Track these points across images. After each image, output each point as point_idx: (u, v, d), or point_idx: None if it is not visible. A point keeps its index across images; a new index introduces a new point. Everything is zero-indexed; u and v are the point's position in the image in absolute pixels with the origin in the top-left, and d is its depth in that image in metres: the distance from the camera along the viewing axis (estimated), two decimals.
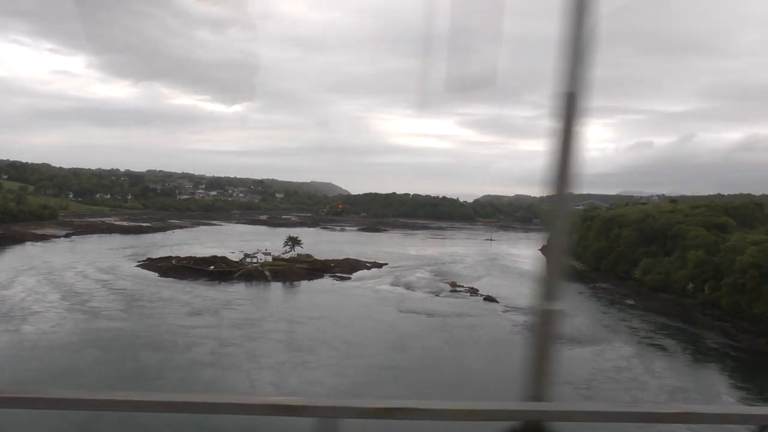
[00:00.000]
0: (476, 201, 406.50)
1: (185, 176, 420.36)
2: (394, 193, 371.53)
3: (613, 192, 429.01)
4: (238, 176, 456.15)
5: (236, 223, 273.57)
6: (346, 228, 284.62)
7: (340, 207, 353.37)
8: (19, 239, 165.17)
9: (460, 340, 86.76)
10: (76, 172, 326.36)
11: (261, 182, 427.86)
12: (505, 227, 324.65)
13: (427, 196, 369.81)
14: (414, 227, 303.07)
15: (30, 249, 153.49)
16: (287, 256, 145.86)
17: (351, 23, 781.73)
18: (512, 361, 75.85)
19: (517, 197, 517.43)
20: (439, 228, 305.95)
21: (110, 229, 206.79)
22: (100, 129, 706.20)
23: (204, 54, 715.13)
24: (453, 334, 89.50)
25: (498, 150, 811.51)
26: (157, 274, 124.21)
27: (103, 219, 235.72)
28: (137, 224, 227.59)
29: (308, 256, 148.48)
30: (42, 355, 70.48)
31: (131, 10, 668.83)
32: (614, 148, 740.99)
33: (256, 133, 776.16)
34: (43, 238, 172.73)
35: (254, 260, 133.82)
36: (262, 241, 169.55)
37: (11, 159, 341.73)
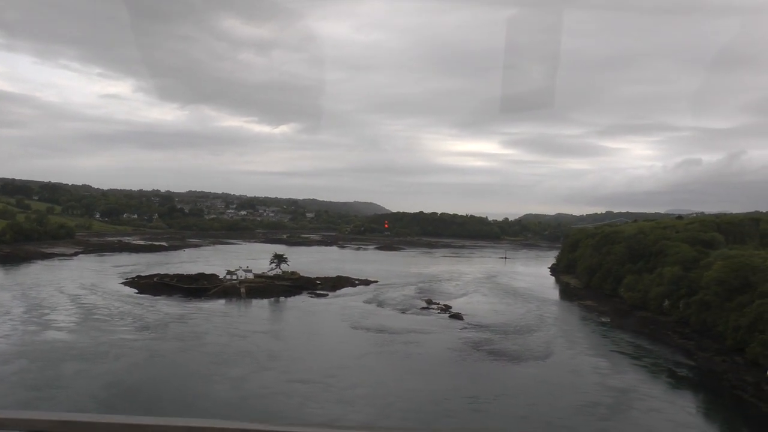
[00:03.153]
0: (506, 220, 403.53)
1: (222, 196, 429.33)
2: (421, 212, 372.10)
3: (661, 210, 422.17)
4: (280, 196, 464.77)
5: (256, 242, 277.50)
6: (363, 247, 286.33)
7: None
8: (26, 258, 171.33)
9: (390, 355, 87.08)
10: (105, 193, 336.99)
11: (295, 202, 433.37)
12: (530, 246, 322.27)
13: (455, 215, 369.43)
14: (435, 246, 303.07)
15: (30, 267, 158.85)
16: (272, 273, 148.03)
17: (396, 44, 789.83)
18: (419, 377, 76.24)
19: (559, 216, 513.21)
20: (461, 246, 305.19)
21: (121, 248, 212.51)
22: (148, 151, 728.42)
23: (250, 76, 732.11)
24: (387, 350, 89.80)
25: (544, 169, 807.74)
26: (135, 290, 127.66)
27: (122, 238, 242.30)
28: (151, 243, 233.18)
29: (293, 273, 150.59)
30: None
31: (177, 34, 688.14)
32: (662, 166, 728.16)
33: (301, 154, 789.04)
34: (50, 256, 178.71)
35: (234, 277, 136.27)
36: (267, 260, 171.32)
37: (53, 181, 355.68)
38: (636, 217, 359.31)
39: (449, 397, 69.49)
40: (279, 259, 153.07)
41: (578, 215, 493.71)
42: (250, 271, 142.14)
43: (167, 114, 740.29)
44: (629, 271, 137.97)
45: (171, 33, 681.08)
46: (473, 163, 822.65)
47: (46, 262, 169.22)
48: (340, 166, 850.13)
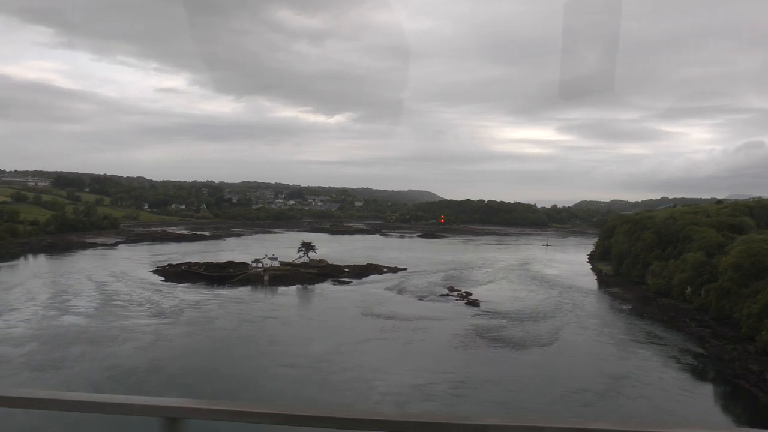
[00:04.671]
0: (554, 207, 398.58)
1: (274, 186, 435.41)
2: (468, 200, 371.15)
3: (720, 195, 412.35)
4: (334, 186, 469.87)
5: (300, 231, 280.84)
6: (407, 235, 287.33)
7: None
8: (67, 248, 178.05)
9: (390, 341, 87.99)
10: (154, 185, 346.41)
11: (345, 191, 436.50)
12: (577, 233, 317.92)
13: (501, 202, 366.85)
14: (480, 233, 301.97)
15: (68, 257, 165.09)
16: (300, 261, 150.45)
17: (449, 31, 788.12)
18: (411, 362, 76.93)
19: (613, 202, 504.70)
20: (506, 234, 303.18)
21: (163, 238, 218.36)
22: (204, 143, 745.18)
23: (304, 66, 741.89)
24: (390, 336, 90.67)
25: (601, 155, 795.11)
26: (162, 278, 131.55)
27: (166, 228, 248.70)
28: (193, 233, 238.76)
29: (321, 261, 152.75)
30: None
31: (231, 27, 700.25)
32: (722, 150, 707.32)
33: (356, 143, 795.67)
34: (91, 246, 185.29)
35: (260, 265, 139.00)
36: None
37: (109, 174, 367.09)
38: (690, 203, 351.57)
39: (435, 381, 70.10)
40: (307, 247, 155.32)
41: (633, 202, 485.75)
42: (275, 258, 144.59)
43: (223, 106, 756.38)
44: (656, 257, 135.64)
45: (225, 26, 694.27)
46: (529, 150, 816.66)
47: (85, 252, 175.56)
48: (395, 155, 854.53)
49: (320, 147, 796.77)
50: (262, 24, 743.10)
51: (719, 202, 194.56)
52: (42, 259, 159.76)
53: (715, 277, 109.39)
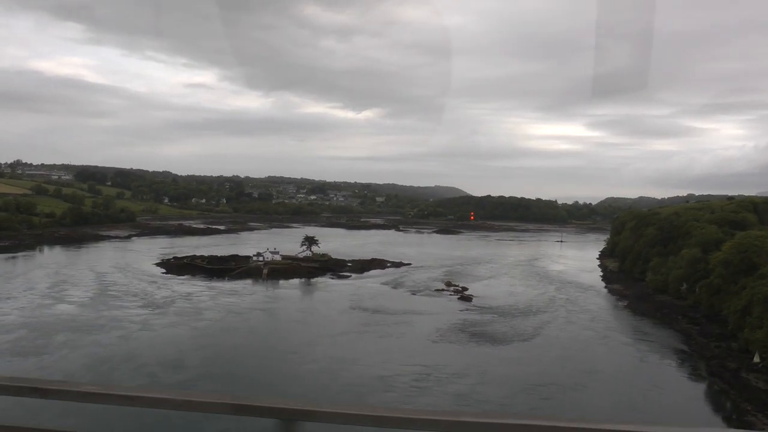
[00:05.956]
0: (575, 203, 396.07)
1: (298, 181, 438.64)
2: (488, 196, 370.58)
3: (752, 192, 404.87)
4: (360, 181, 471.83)
5: (317, 226, 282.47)
6: (424, 230, 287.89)
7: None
8: (79, 240, 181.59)
9: (370, 334, 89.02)
10: (175, 179, 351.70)
11: (368, 186, 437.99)
12: (596, 229, 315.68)
13: (521, 198, 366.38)
14: (497, 229, 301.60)
15: (79, 249, 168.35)
16: (302, 255, 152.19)
17: (477, 27, 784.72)
18: (382, 355, 77.82)
19: (640, 199, 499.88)
20: (524, 230, 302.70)
21: (177, 231, 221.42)
22: (233, 138, 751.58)
23: (332, 62, 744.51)
24: (371, 329, 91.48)
25: (630, 151, 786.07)
26: (163, 270, 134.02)
27: (183, 222, 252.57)
28: (208, 227, 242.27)
29: (324, 255, 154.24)
30: None
31: (259, 23, 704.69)
32: (753, 146, 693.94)
33: (385, 139, 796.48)
34: (104, 239, 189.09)
35: (260, 259, 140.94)
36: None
37: (135, 168, 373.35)
38: (717, 200, 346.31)
39: (401, 373, 70.87)
40: (310, 241, 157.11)
41: (660, 199, 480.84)
42: (277, 252, 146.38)
43: (252, 101, 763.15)
44: (658, 253, 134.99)
45: (255, 22, 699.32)
46: (558, 146, 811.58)
47: (97, 244, 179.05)
48: (424, 151, 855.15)
49: (349, 143, 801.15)
50: (291, 20, 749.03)
51: (731, 198, 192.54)
52: (52, 250, 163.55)
53: (709, 273, 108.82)
